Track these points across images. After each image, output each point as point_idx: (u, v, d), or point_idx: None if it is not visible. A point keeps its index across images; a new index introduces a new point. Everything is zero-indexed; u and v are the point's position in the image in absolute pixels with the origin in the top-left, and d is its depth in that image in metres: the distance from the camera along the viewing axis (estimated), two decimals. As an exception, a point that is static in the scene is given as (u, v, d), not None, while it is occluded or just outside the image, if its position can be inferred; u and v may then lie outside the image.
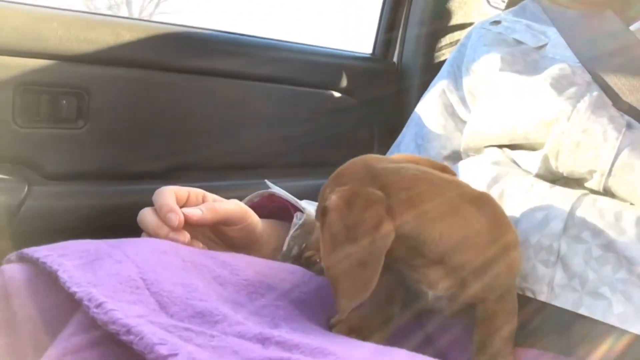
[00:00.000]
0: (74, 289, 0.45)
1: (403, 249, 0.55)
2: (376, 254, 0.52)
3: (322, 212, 0.55)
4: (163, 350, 0.38)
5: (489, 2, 1.32)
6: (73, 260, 0.52)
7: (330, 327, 0.62)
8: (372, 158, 0.60)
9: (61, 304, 0.49)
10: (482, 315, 0.62)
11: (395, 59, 1.40)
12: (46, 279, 0.51)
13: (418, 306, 0.65)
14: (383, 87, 1.36)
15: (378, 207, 0.53)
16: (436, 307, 0.63)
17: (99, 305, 0.42)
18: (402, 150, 1.02)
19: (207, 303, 0.48)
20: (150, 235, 0.69)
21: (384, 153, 1.07)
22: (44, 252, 0.53)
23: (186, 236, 0.67)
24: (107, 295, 0.45)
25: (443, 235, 0.55)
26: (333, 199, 0.54)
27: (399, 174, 0.57)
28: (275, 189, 0.83)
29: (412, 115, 1.04)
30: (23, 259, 0.55)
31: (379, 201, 0.53)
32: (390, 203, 0.54)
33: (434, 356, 0.64)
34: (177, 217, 0.67)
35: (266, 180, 0.85)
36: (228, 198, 0.76)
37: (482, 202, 0.60)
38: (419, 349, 0.65)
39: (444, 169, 0.65)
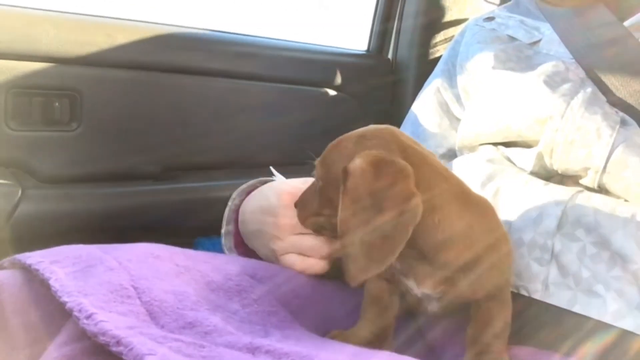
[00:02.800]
0: (64, 298, 0.45)
1: None
2: (403, 227, 0.51)
3: (343, 172, 0.53)
4: None
5: (483, -2, 1.31)
6: (65, 268, 0.52)
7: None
8: (398, 131, 0.59)
9: (54, 311, 0.49)
10: (476, 313, 0.62)
11: (390, 56, 1.40)
12: (39, 285, 0.51)
13: (411, 309, 0.65)
14: (378, 84, 1.35)
15: (408, 180, 0.52)
16: (429, 309, 0.63)
17: (89, 317, 0.42)
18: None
19: (198, 313, 0.48)
20: None
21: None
22: (36, 259, 0.53)
23: None
24: (98, 305, 0.45)
25: (442, 225, 0.55)
26: (358, 162, 0.53)
27: (424, 157, 0.57)
28: (279, 177, 0.83)
29: (409, 114, 1.03)
30: (16, 265, 0.55)
31: (409, 174, 0.52)
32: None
33: (426, 353, 0.65)
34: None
35: (271, 167, 0.85)
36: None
37: (482, 205, 0.61)
38: (410, 345, 0.65)
39: None
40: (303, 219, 0.66)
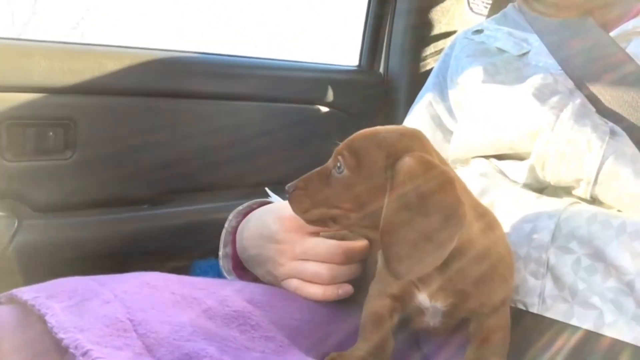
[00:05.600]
0: (60, 335, 0.46)
1: None
2: (450, 234, 0.51)
3: (389, 169, 0.54)
4: None
5: (471, 9, 1.32)
6: (62, 302, 0.52)
7: None
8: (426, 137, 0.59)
9: (52, 346, 0.50)
10: (476, 332, 0.62)
11: (381, 70, 1.40)
12: (36, 321, 0.51)
13: (410, 324, 0.65)
14: (370, 98, 1.36)
15: (455, 189, 0.53)
16: (431, 324, 0.63)
17: (85, 353, 0.43)
18: (393, 162, 1.01)
19: (194, 343, 0.48)
20: None
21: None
22: (32, 294, 0.53)
23: None
24: (94, 341, 0.45)
25: (466, 234, 0.55)
26: (409, 161, 0.53)
27: (450, 167, 0.57)
28: (274, 198, 0.83)
29: (402, 128, 1.04)
30: (13, 301, 0.55)
31: (455, 183, 0.53)
32: None
33: None
34: None
35: (266, 189, 0.85)
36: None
37: (491, 216, 0.62)
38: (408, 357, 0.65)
39: None
40: (305, 209, 0.61)
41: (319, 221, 0.61)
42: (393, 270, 0.52)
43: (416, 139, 0.58)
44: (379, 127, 0.60)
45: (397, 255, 0.52)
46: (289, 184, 0.63)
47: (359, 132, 0.60)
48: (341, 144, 0.60)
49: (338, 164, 0.58)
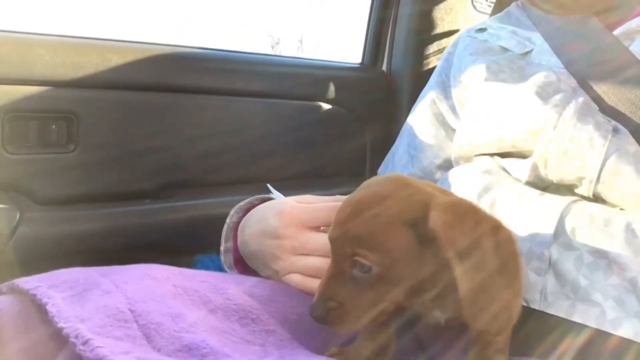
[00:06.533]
0: (61, 324, 0.46)
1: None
2: (512, 255, 0.51)
3: (419, 234, 0.48)
4: None
5: (475, 7, 1.32)
6: (63, 292, 0.52)
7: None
8: (408, 177, 0.55)
9: (52, 336, 0.50)
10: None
11: (384, 67, 1.40)
12: (37, 310, 0.51)
13: (419, 324, 0.65)
14: (373, 96, 1.36)
15: (485, 213, 0.51)
16: (437, 321, 0.62)
17: (85, 342, 0.43)
18: (396, 160, 1.02)
19: (194, 335, 0.48)
20: None
21: (378, 162, 1.08)
22: (34, 283, 0.53)
23: None
24: (94, 331, 0.45)
25: None
26: (436, 215, 0.47)
27: (453, 196, 0.55)
28: (276, 194, 0.83)
29: (405, 125, 1.04)
30: (14, 290, 0.55)
31: (480, 208, 0.51)
32: None
33: None
34: None
35: (268, 185, 0.85)
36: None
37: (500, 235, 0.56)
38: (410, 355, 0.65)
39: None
40: (354, 324, 0.54)
41: (373, 322, 0.56)
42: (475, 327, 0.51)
43: (411, 185, 0.52)
44: (362, 205, 0.51)
45: (491, 315, 0.50)
46: (313, 311, 0.54)
47: (357, 223, 0.51)
48: (341, 242, 0.52)
49: (360, 266, 0.51)
